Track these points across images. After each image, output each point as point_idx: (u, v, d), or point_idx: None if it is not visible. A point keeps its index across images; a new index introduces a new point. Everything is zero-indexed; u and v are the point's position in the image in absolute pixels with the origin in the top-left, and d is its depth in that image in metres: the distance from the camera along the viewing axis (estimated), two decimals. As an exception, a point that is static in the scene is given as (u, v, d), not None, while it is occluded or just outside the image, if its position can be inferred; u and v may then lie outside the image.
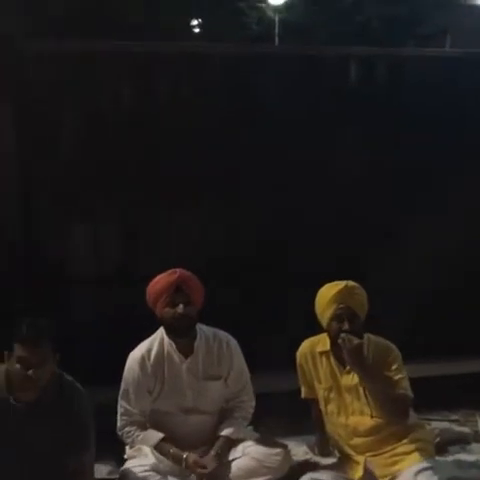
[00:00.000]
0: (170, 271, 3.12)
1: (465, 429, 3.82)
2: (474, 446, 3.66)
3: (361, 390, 3.01)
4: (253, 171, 4.04)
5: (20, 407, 2.62)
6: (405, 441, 2.98)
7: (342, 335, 2.94)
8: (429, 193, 4.19)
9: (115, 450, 3.21)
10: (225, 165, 3.99)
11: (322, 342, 3.14)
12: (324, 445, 3.31)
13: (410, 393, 2.98)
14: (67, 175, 3.85)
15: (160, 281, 3.12)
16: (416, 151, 4.15)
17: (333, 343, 3.06)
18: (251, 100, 4.06)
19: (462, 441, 3.66)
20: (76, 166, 3.87)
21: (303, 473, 3.02)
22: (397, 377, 2.98)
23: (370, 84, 4.28)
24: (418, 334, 3.93)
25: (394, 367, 3.00)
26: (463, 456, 3.44)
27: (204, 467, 2.98)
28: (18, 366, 2.56)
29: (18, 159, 3.74)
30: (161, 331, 3.21)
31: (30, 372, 2.55)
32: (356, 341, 2.94)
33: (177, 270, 3.11)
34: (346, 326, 2.97)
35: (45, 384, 2.62)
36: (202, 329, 3.22)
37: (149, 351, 3.17)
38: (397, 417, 2.97)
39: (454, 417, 3.90)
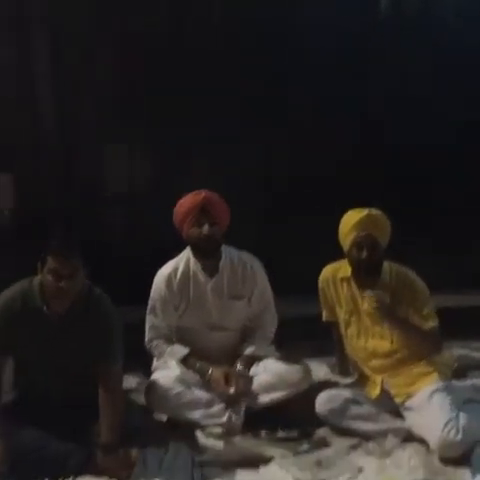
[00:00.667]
0: (196, 192, 3.16)
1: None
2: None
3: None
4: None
5: (53, 316, 2.72)
6: (423, 363, 3.03)
7: (367, 293, 2.97)
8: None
9: (144, 364, 3.33)
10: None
11: (343, 268, 3.17)
12: (344, 366, 3.39)
13: (437, 324, 3.01)
14: (102, 96, 3.87)
15: (186, 202, 3.16)
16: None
17: (353, 269, 3.09)
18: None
19: (483, 368, 3.71)
20: (110, 87, 3.89)
21: (323, 390, 3.10)
22: (424, 311, 3.01)
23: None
24: (440, 264, 3.92)
25: (420, 299, 3.03)
26: (485, 382, 3.48)
27: (230, 379, 3.07)
28: (50, 277, 2.65)
29: (55, 81, 3.77)
30: (188, 251, 3.28)
31: (62, 283, 2.64)
32: (387, 299, 2.95)
33: (203, 191, 3.15)
34: (365, 254, 2.98)
35: (76, 295, 2.72)
36: (227, 250, 3.27)
37: (176, 270, 3.25)
38: (431, 350, 3.02)
39: (475, 345, 3.93)
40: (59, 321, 2.73)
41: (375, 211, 3.04)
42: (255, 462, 2.77)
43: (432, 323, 3.01)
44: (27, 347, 2.75)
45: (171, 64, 3.92)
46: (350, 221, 3.04)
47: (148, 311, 3.27)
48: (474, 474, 2.66)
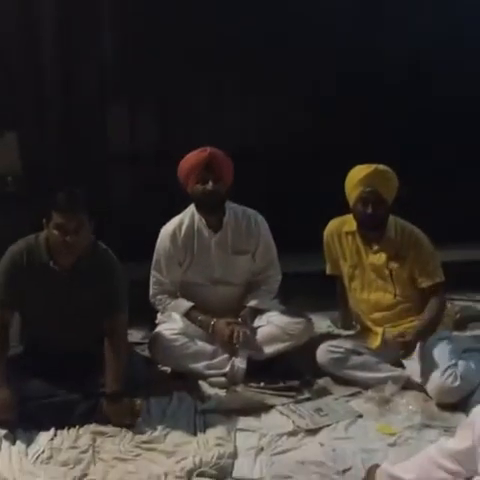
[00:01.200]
0: (201, 149, 3.18)
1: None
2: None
3: (387, 271, 3.09)
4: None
5: (59, 271, 2.77)
6: (423, 314, 3.06)
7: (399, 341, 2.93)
8: None
9: (149, 319, 3.39)
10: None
11: (349, 222, 3.19)
12: (347, 319, 3.44)
13: (443, 278, 3.05)
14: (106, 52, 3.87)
15: (191, 158, 3.19)
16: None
17: (358, 224, 3.12)
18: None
19: (483, 320, 3.74)
20: (115, 43, 3.89)
21: (324, 343, 3.15)
22: (430, 266, 3.04)
23: None
24: (444, 218, 3.92)
25: (426, 255, 3.05)
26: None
27: (234, 325, 3.12)
28: (56, 232, 2.68)
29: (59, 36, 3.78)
30: (192, 207, 3.31)
31: (68, 238, 2.67)
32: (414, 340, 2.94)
33: (207, 148, 3.16)
34: (370, 210, 3.00)
35: (82, 250, 2.75)
36: (231, 206, 3.30)
37: (180, 225, 3.28)
38: (438, 309, 3.05)
39: (478, 297, 3.95)
40: (65, 275, 2.77)
41: (382, 167, 3.04)
42: (256, 410, 2.83)
43: (438, 279, 3.04)
44: (34, 301, 2.80)
45: (178, 18, 3.90)
46: (356, 176, 3.05)
47: (152, 266, 3.31)
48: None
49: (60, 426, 2.66)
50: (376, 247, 3.12)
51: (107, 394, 2.69)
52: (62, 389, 2.74)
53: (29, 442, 2.57)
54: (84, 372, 2.79)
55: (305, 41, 4.01)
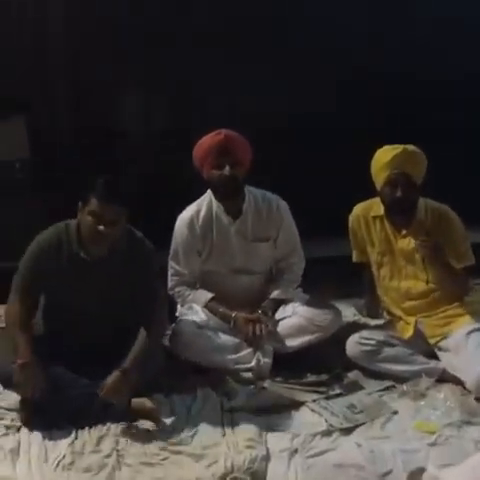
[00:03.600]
0: (215, 132, 3.02)
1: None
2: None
3: (418, 256, 2.95)
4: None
5: (91, 261, 2.64)
6: (457, 304, 2.94)
7: (417, 243, 2.83)
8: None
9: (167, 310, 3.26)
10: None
11: (376, 206, 3.05)
12: (374, 308, 3.31)
13: (473, 261, 2.91)
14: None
15: (205, 142, 3.03)
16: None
17: (387, 208, 2.98)
18: None
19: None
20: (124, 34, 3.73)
21: (352, 333, 3.02)
22: (462, 247, 2.91)
23: None
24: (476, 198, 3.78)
25: (457, 236, 2.92)
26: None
27: (255, 321, 2.99)
28: (90, 219, 2.55)
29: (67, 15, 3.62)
30: (209, 193, 3.16)
31: (101, 227, 2.54)
32: (435, 244, 2.83)
33: (222, 131, 3.00)
34: (399, 193, 2.86)
35: (115, 242, 2.62)
36: (251, 191, 3.16)
37: (198, 213, 3.15)
38: (458, 292, 2.93)
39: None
40: (98, 266, 2.64)
41: (411, 147, 2.90)
42: (287, 407, 2.71)
43: (468, 262, 2.91)
44: (62, 290, 2.68)
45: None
46: (383, 158, 2.91)
47: (170, 257, 3.18)
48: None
49: (80, 424, 2.53)
50: (405, 231, 2.98)
51: (123, 368, 2.55)
52: (83, 381, 2.61)
53: (48, 446, 2.43)
54: (105, 365, 2.63)
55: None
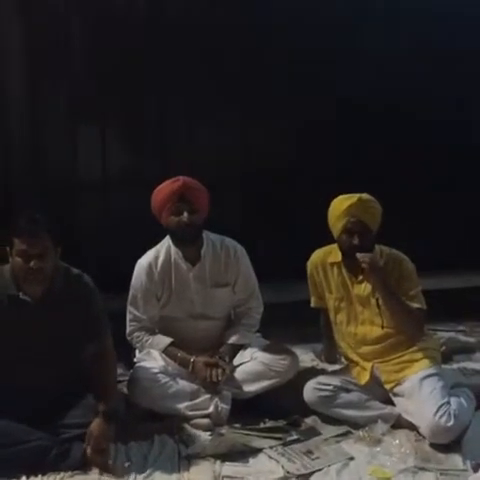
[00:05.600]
0: (173, 179, 3.05)
1: (470, 339, 3.86)
2: (478, 355, 3.70)
3: (373, 301, 3.01)
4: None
5: (30, 302, 2.63)
6: (412, 349, 2.99)
7: (359, 255, 2.90)
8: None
9: (125, 355, 3.23)
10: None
11: (333, 253, 3.11)
12: (331, 353, 3.35)
13: (424, 306, 2.97)
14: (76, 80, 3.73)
15: (163, 189, 3.06)
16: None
17: (344, 255, 3.04)
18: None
19: (467, 350, 3.69)
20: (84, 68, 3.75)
21: (310, 378, 3.04)
22: (412, 292, 2.96)
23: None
24: (427, 246, 3.87)
25: (409, 280, 2.98)
26: (467, 364, 3.47)
27: (214, 365, 3.00)
28: (19, 259, 2.56)
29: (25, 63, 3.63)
30: (168, 239, 3.18)
31: (32, 263, 2.55)
32: (381, 262, 2.92)
33: (180, 178, 3.04)
34: (356, 241, 2.93)
35: (51, 277, 2.63)
36: (209, 237, 3.19)
37: (156, 259, 3.16)
38: (414, 330, 2.98)
39: (460, 328, 3.92)
40: (38, 306, 2.63)
41: (366, 196, 2.98)
42: (243, 454, 2.70)
43: (419, 305, 2.97)
44: (5, 337, 2.63)
45: (146, 44, 3.78)
46: (340, 207, 2.97)
47: (129, 302, 3.18)
48: (465, 460, 2.63)
49: (32, 473, 2.48)
50: (361, 277, 3.04)
51: (104, 412, 2.58)
52: (34, 433, 2.56)
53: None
54: (57, 413, 2.63)
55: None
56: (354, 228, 2.94)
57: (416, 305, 2.95)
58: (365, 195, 2.98)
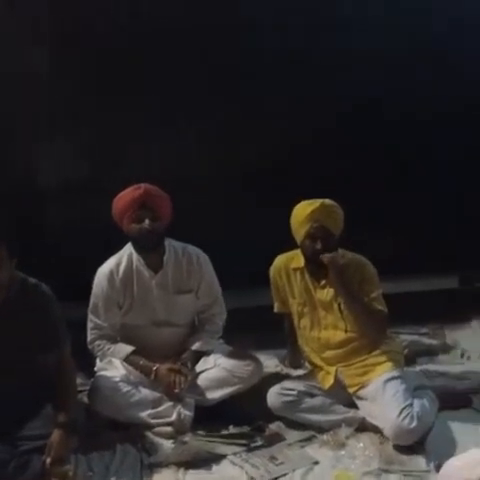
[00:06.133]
0: (135, 186, 3.03)
1: (433, 341, 3.89)
2: (441, 357, 3.74)
3: (336, 305, 3.02)
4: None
5: None
6: (375, 352, 3.01)
7: (325, 255, 2.91)
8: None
9: (85, 364, 3.18)
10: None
11: (296, 258, 3.11)
12: (295, 358, 3.35)
13: (385, 309, 2.99)
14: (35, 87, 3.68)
15: (125, 197, 3.03)
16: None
17: (307, 260, 3.04)
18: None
19: (430, 352, 3.73)
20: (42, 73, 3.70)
21: (274, 384, 3.02)
22: (373, 294, 2.98)
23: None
24: (388, 250, 3.89)
25: (370, 283, 3.00)
26: (430, 366, 3.50)
27: (176, 372, 2.97)
28: None
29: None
30: (130, 246, 3.15)
31: None
32: (341, 261, 2.94)
33: (141, 185, 3.02)
34: (319, 246, 2.94)
35: (7, 287, 2.59)
36: (171, 244, 3.17)
37: (118, 266, 3.12)
38: (376, 333, 3.00)
39: (423, 330, 3.95)
40: None
41: (328, 202, 2.98)
42: (207, 461, 2.67)
43: (381, 307, 2.98)
44: None
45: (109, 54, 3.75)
46: (303, 213, 2.98)
47: (90, 310, 3.13)
48: (428, 461, 2.65)
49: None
50: (324, 282, 3.05)
51: (62, 424, 2.54)
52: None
53: None
54: (16, 424, 2.56)
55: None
56: (317, 233, 2.95)
57: (378, 307, 2.97)
58: (327, 200, 2.99)
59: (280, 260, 3.19)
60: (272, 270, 3.19)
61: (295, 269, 3.12)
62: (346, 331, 3.02)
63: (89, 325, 3.13)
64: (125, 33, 3.78)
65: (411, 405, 2.78)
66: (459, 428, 2.85)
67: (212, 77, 3.89)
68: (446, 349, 3.82)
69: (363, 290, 2.98)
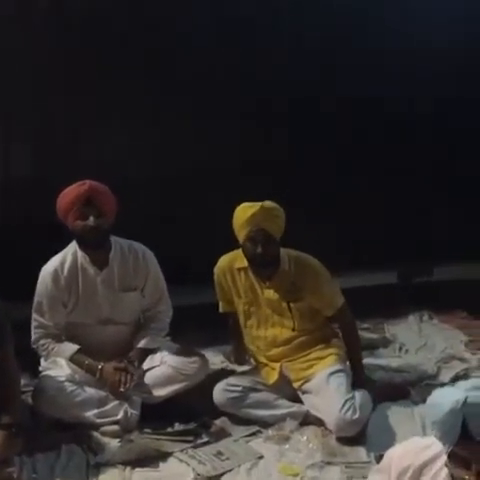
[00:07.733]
0: (79, 182, 3.00)
1: (374, 336, 3.99)
2: (381, 351, 3.83)
3: (285, 304, 3.06)
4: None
5: None
6: (319, 347, 3.08)
7: None
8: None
9: (29, 364, 3.14)
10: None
11: (239, 258, 3.11)
12: (240, 354, 3.40)
13: (343, 300, 3.09)
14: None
15: (69, 193, 2.99)
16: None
17: (249, 262, 3.05)
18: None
19: (371, 346, 3.82)
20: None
21: (220, 380, 3.06)
22: (328, 293, 3.06)
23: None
24: (329, 246, 3.95)
25: (321, 282, 3.05)
26: (371, 360, 3.58)
27: (122, 370, 2.97)
28: None
29: None
30: (74, 244, 3.12)
31: None
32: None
33: (86, 181, 2.99)
34: (259, 249, 2.93)
35: None
36: (117, 241, 3.15)
37: (62, 264, 3.09)
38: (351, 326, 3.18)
39: (364, 325, 4.04)
40: None
41: (268, 204, 2.96)
42: (153, 458, 2.69)
43: (340, 301, 3.07)
44: None
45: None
46: (243, 216, 2.96)
47: (34, 309, 3.09)
48: (369, 452, 2.73)
49: None
50: (270, 282, 3.07)
51: (6, 424, 2.51)
52: None
53: None
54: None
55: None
56: (257, 237, 2.94)
57: (338, 302, 3.07)
58: (267, 203, 2.97)
59: (224, 260, 3.19)
60: (216, 270, 3.20)
61: (239, 269, 3.12)
62: (294, 329, 3.07)
63: (33, 324, 3.09)
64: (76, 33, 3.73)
65: (353, 397, 2.86)
66: (398, 419, 2.95)
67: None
68: (385, 343, 3.93)
69: (317, 291, 3.03)
